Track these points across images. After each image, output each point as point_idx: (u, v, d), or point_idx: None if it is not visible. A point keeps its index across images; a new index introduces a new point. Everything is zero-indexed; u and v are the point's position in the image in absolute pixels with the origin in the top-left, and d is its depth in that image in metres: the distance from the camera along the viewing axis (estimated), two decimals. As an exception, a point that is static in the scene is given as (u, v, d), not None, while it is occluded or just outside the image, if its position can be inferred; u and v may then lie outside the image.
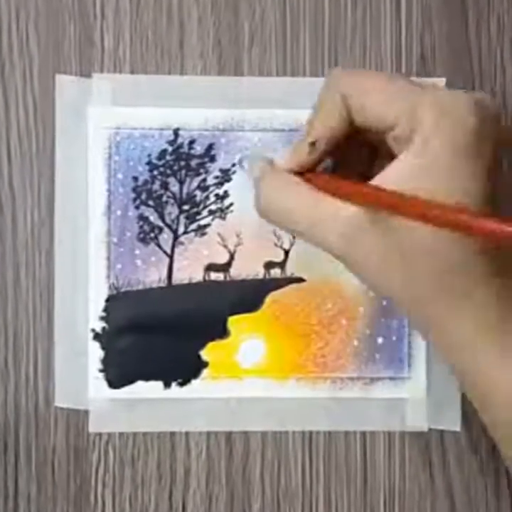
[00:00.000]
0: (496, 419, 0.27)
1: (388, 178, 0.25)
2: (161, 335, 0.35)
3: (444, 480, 0.36)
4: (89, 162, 0.35)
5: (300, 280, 0.36)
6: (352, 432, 0.36)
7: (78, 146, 0.35)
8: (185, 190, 0.36)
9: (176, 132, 0.36)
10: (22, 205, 0.35)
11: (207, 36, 0.36)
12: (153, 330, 0.35)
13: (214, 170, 0.36)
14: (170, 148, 0.36)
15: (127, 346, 0.35)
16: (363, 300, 0.36)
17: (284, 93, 0.36)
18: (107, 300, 0.35)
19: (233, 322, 0.36)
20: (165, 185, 0.36)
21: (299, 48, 0.36)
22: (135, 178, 0.35)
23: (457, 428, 0.36)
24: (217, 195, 0.36)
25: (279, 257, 0.36)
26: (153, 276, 0.35)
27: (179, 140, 0.36)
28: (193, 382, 0.35)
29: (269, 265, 0.36)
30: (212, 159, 0.36)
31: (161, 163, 0.36)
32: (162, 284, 0.36)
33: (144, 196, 0.36)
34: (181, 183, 0.36)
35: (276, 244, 0.36)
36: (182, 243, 0.36)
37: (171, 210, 0.36)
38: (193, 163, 0.36)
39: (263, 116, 0.36)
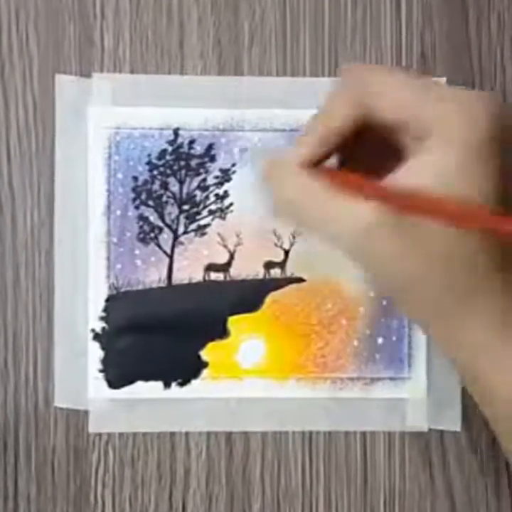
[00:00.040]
0: (496, 413, 0.27)
1: (402, 176, 0.25)
2: (160, 335, 0.35)
3: (444, 480, 0.36)
4: (89, 162, 0.35)
5: (300, 280, 0.36)
6: (352, 432, 0.36)
7: (78, 146, 0.35)
8: (185, 190, 0.36)
9: (175, 132, 0.35)
10: (22, 205, 0.35)
11: (207, 36, 0.36)
12: (153, 330, 0.35)
13: (214, 170, 0.36)
14: (170, 148, 0.36)
15: (127, 346, 0.35)
16: (363, 300, 0.36)
17: (284, 93, 0.36)
18: (107, 300, 0.35)
19: (233, 322, 0.36)
20: (165, 185, 0.36)
21: (299, 48, 0.36)
22: (135, 178, 0.35)
23: (457, 428, 0.36)
24: (217, 195, 0.36)
25: (279, 257, 0.36)
26: (153, 276, 0.35)
27: (179, 140, 0.36)
28: (193, 382, 0.35)
29: (269, 265, 0.36)
30: (212, 159, 0.36)
31: (160, 163, 0.36)
32: (162, 284, 0.35)
33: (143, 196, 0.35)
34: (181, 183, 0.36)
35: (276, 244, 0.36)
36: (182, 243, 0.36)
37: (171, 210, 0.36)
38: (193, 163, 0.36)
39: (263, 116, 0.36)
